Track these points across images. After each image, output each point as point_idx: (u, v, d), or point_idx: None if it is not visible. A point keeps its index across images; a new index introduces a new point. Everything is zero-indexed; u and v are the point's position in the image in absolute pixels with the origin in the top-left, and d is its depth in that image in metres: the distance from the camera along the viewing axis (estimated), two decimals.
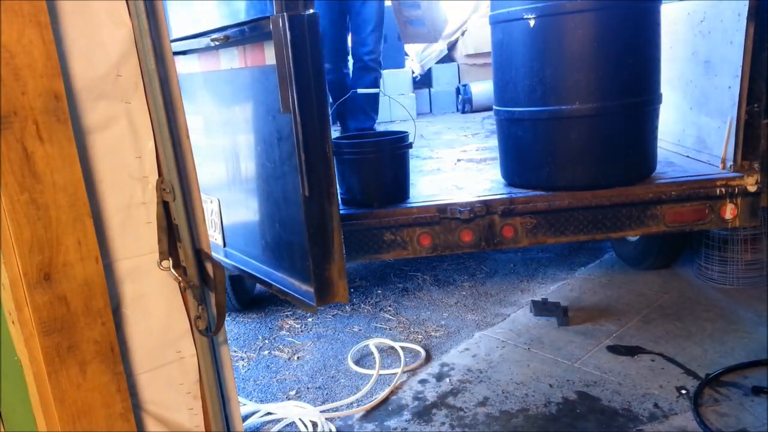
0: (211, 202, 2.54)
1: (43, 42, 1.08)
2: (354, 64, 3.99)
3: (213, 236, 2.58)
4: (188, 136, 1.36)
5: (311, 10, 1.74)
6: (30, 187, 1.08)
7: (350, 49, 4.00)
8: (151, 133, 1.29)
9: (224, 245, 2.54)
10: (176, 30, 2.46)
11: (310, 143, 1.80)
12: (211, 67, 2.35)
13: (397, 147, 2.48)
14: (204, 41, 2.24)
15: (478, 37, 5.59)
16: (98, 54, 1.20)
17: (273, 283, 2.15)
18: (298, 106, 1.76)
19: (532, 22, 2.36)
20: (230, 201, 2.47)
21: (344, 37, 3.96)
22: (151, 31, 1.23)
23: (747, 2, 2.30)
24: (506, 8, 2.45)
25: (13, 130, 1.06)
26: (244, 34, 1.98)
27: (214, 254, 2.46)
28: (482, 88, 5.16)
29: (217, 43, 2.10)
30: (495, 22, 2.56)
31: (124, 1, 1.22)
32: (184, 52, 2.47)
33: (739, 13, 2.35)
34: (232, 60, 2.17)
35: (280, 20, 1.71)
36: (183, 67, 2.53)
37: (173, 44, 2.37)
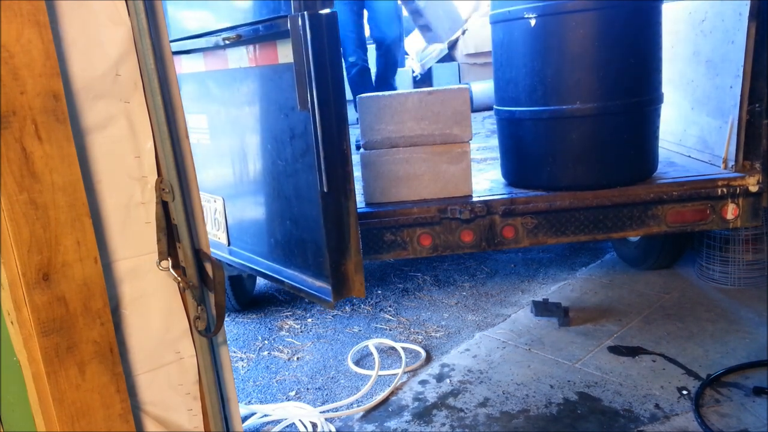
0: (215, 201, 2.54)
1: (42, 41, 1.07)
2: (377, 50, 4.24)
3: (217, 235, 2.57)
4: (187, 136, 1.35)
5: (329, 9, 1.74)
6: (29, 187, 1.08)
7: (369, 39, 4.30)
8: (151, 132, 1.28)
9: (229, 244, 2.54)
10: (175, 29, 2.46)
11: (328, 140, 1.80)
12: (217, 66, 2.35)
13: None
14: (211, 40, 2.23)
15: (479, 37, 5.58)
16: (97, 53, 1.20)
17: (285, 280, 2.15)
18: (317, 103, 1.76)
19: (533, 22, 2.35)
20: (236, 200, 2.47)
21: (363, 31, 4.37)
22: (150, 31, 1.23)
23: (748, 2, 2.29)
24: (507, 7, 2.45)
25: (12, 130, 1.05)
26: (258, 32, 1.98)
27: (217, 253, 2.46)
28: (483, 88, 5.14)
29: (228, 41, 2.09)
30: (495, 21, 2.56)
31: (123, 1, 1.22)
32: (188, 51, 2.47)
33: (741, 13, 2.35)
34: (240, 59, 2.17)
35: (300, 19, 1.72)
36: (187, 66, 2.53)
37: (177, 43, 2.38)
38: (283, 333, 3.33)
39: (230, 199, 2.49)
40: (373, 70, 4.51)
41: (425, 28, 5.01)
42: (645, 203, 2.41)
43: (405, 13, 5.02)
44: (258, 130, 2.21)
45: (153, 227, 1.31)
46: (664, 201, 2.41)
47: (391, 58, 4.36)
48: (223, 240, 2.55)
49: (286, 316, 3.53)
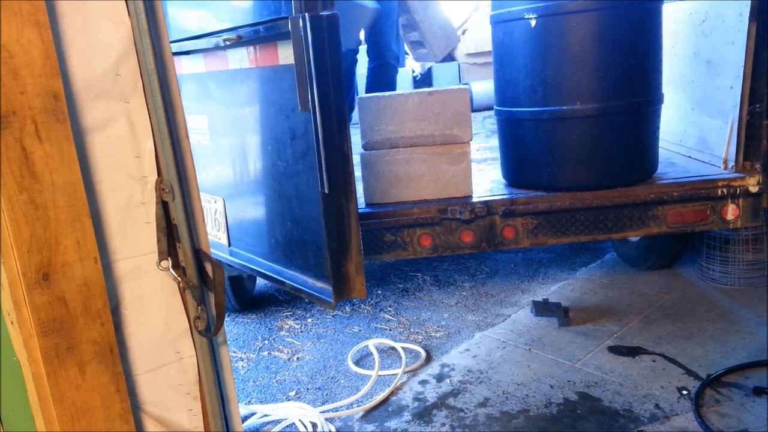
0: (216, 201, 2.54)
1: (42, 41, 1.07)
2: (372, 61, 4.06)
3: (217, 236, 2.57)
4: (187, 136, 1.35)
5: (331, 11, 1.75)
6: (29, 187, 1.08)
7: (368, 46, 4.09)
8: (150, 132, 1.28)
9: (229, 244, 2.54)
10: (176, 30, 2.46)
11: (329, 141, 1.81)
12: (217, 67, 2.35)
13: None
14: (211, 41, 2.23)
15: (479, 37, 5.59)
16: (97, 53, 1.20)
17: (286, 281, 2.15)
18: (318, 105, 1.77)
19: (533, 22, 2.35)
20: (237, 200, 2.47)
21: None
22: (150, 31, 1.23)
23: (749, 2, 2.29)
24: (507, 8, 2.45)
25: (12, 130, 1.05)
26: (258, 33, 1.98)
27: (218, 254, 2.46)
28: (483, 88, 5.15)
29: (228, 42, 2.09)
30: (496, 21, 2.56)
31: (123, 1, 1.22)
32: (188, 52, 2.47)
33: (741, 14, 2.35)
34: (241, 60, 2.17)
35: (300, 21, 1.72)
36: (188, 67, 2.53)
37: (178, 44, 2.38)
38: (283, 333, 3.34)
39: (230, 199, 2.49)
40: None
41: (418, 44, 4.90)
42: (645, 204, 2.41)
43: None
44: (258, 131, 2.21)
45: (153, 227, 1.31)
46: (665, 201, 2.41)
47: (386, 76, 4.06)
48: (224, 240, 2.55)
49: (286, 316, 3.53)
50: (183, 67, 2.53)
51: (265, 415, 2.53)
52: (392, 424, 2.43)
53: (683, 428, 2.22)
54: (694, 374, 2.55)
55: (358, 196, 2.54)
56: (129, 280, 1.29)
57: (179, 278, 1.33)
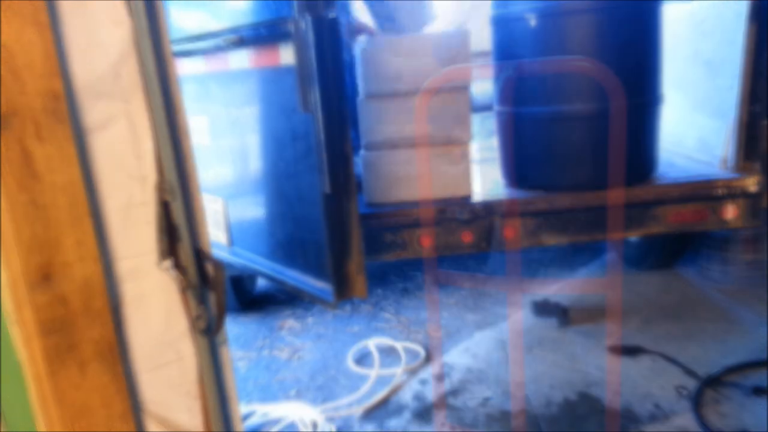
0: (216, 202, 2.54)
1: (42, 42, 1.07)
2: None
3: (217, 236, 2.58)
4: (188, 136, 1.35)
5: (333, 12, 1.75)
6: (29, 187, 1.08)
7: None
8: (151, 132, 1.28)
9: (230, 244, 2.54)
10: (177, 31, 2.46)
11: (330, 141, 1.81)
12: (218, 68, 2.35)
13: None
14: (212, 42, 2.24)
15: (479, 36, 5.57)
16: (97, 53, 1.20)
17: (287, 281, 2.15)
18: (320, 105, 1.77)
19: (533, 22, 2.36)
20: (237, 200, 2.47)
21: None
22: (150, 31, 1.23)
23: (748, 3, 2.30)
24: (507, 8, 2.45)
25: (13, 130, 1.05)
26: (259, 34, 1.98)
27: (219, 253, 2.46)
28: (483, 88, 5.14)
29: (229, 43, 2.10)
30: (496, 21, 2.56)
31: (124, 0, 1.22)
32: (189, 53, 2.47)
33: (740, 14, 2.35)
34: (241, 60, 2.17)
35: (303, 22, 1.72)
36: (189, 67, 2.53)
37: (178, 45, 2.38)
38: (283, 332, 3.34)
39: (231, 200, 2.50)
40: None
41: (387, 20, 4.69)
42: (645, 204, 2.42)
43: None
44: (259, 131, 2.21)
45: (153, 227, 1.31)
46: (664, 202, 2.42)
47: None
48: (224, 240, 2.56)
49: (287, 316, 3.53)
50: (184, 68, 2.54)
51: (266, 415, 2.53)
52: (392, 423, 2.43)
53: (683, 428, 2.23)
54: (694, 374, 2.55)
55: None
56: (129, 280, 1.29)
57: (180, 278, 1.33)
